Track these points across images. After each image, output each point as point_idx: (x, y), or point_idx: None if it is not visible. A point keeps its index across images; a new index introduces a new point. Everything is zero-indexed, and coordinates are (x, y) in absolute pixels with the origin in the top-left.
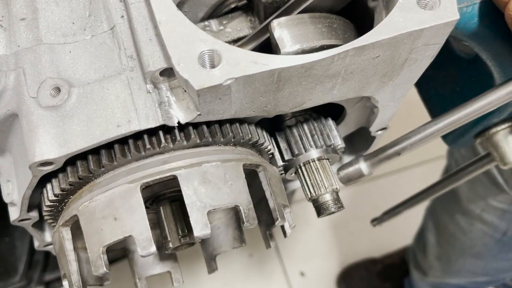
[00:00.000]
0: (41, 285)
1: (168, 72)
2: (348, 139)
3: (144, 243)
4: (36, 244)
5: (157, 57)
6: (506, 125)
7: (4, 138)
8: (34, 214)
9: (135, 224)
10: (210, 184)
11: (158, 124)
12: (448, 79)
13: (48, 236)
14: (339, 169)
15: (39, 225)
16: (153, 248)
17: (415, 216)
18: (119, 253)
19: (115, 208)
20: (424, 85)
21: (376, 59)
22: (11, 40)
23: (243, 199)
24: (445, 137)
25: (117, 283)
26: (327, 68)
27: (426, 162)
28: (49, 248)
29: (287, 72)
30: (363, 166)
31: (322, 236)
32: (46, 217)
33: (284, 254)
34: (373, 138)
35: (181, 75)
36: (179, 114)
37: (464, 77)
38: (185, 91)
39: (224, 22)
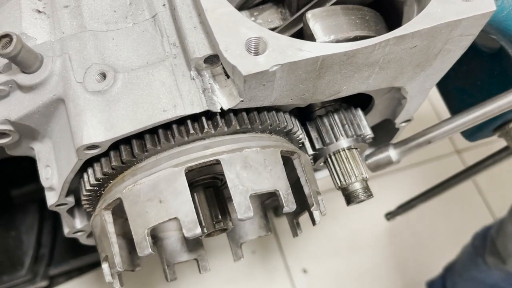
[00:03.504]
0: (46, 279)
1: (211, 60)
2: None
3: (190, 225)
4: (66, 230)
5: (202, 44)
6: None
7: (45, 123)
8: (71, 199)
9: (181, 206)
10: (251, 169)
11: (202, 110)
12: (469, 73)
13: (78, 223)
14: (368, 156)
15: (71, 211)
16: (199, 230)
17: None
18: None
19: (160, 191)
20: (444, 79)
21: (414, 49)
22: (55, 27)
23: (282, 184)
24: (463, 132)
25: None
26: (367, 56)
27: (430, 161)
28: (78, 235)
29: (330, 59)
30: (392, 153)
31: (325, 233)
32: (84, 202)
33: (287, 251)
34: (395, 130)
35: (228, 61)
36: (222, 100)
37: (486, 71)
38: (228, 77)
39: (255, 14)
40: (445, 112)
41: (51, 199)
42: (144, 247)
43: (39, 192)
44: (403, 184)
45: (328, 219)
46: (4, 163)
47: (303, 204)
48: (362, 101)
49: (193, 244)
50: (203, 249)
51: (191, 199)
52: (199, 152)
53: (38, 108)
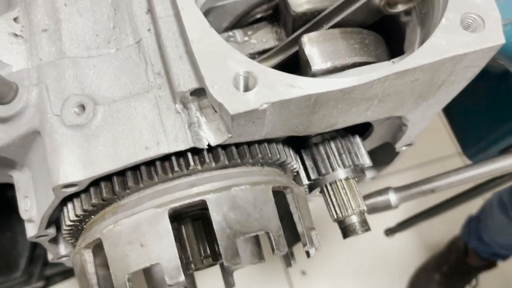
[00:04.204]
0: (41, 279)
1: (198, 92)
2: (369, 152)
3: (173, 272)
4: (50, 257)
5: (188, 77)
6: None
7: (24, 154)
8: (52, 231)
9: (163, 252)
10: (239, 209)
11: (188, 147)
12: (473, 93)
13: (62, 249)
14: (366, 197)
15: (54, 239)
16: (182, 278)
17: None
18: None
19: (141, 234)
20: None
21: (415, 82)
22: (33, 53)
23: (273, 225)
24: (466, 151)
25: None
26: (365, 91)
27: (430, 163)
28: (63, 260)
29: (324, 96)
30: (392, 198)
31: (325, 235)
32: (65, 235)
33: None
34: (396, 153)
35: (215, 98)
36: (209, 136)
37: (491, 91)
38: (215, 111)
39: (249, 33)
40: None
41: (30, 231)
42: None
43: None
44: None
45: (328, 223)
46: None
47: (297, 234)
48: (361, 126)
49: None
50: (192, 278)
51: (174, 243)
52: (183, 190)
53: (14, 140)
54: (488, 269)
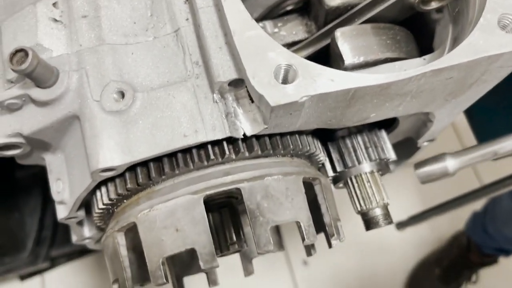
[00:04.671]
0: (47, 260)
1: (236, 83)
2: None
3: (207, 257)
4: (74, 238)
5: (227, 67)
6: None
7: (59, 137)
8: (81, 213)
9: (198, 237)
10: (272, 198)
11: (225, 136)
12: (495, 91)
13: (87, 231)
14: (418, 165)
15: (80, 221)
16: (216, 263)
17: None
18: None
19: (177, 219)
20: None
21: (449, 80)
22: (72, 38)
23: (304, 215)
24: None
25: None
26: (402, 87)
27: None
28: (86, 242)
29: (363, 91)
30: (450, 163)
31: None
32: (95, 219)
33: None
34: (416, 148)
35: (256, 90)
36: (245, 126)
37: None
38: (252, 101)
39: (279, 25)
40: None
41: (61, 213)
42: (159, 277)
43: (43, 174)
44: (409, 184)
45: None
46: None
47: (320, 224)
48: (386, 120)
49: None
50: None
51: (209, 230)
52: (218, 178)
53: (52, 124)
54: (489, 265)
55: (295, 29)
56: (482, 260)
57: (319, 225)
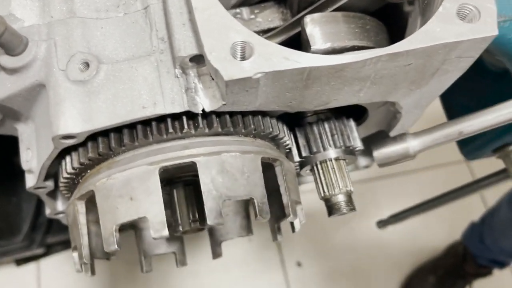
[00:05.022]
0: (42, 247)
1: (198, 59)
2: (363, 140)
3: (158, 226)
4: (48, 211)
5: (189, 43)
6: None
7: (29, 106)
8: (50, 184)
9: (151, 207)
10: (227, 174)
11: (183, 110)
12: (474, 90)
13: (60, 205)
14: (376, 147)
15: (52, 193)
16: (166, 232)
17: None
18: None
19: (132, 188)
20: (448, 94)
21: (408, 67)
22: (45, 10)
23: (258, 192)
24: (462, 149)
25: (119, 252)
26: (358, 71)
27: (436, 167)
28: (60, 216)
29: (317, 71)
30: (412, 144)
31: (323, 229)
32: (61, 188)
33: (283, 243)
34: None
35: (212, 64)
36: (204, 102)
37: (492, 90)
38: (213, 79)
39: (256, 11)
40: None
41: (29, 181)
42: (111, 243)
43: None
44: (406, 189)
45: (326, 218)
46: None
47: (285, 210)
48: (356, 112)
49: (173, 237)
50: (182, 242)
51: (162, 200)
52: (176, 152)
53: (20, 91)
54: (484, 276)
55: (271, 16)
56: (477, 271)
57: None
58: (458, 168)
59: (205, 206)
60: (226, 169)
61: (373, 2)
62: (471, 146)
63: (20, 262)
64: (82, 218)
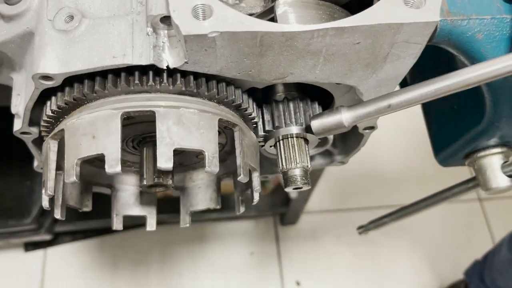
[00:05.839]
0: (50, 233)
1: (169, 21)
2: (341, 136)
3: (112, 162)
4: (35, 164)
5: (160, 5)
6: (495, 150)
7: (21, 55)
8: (35, 130)
9: (109, 145)
10: (183, 126)
11: (148, 63)
12: (449, 95)
13: None
14: (313, 117)
15: (39, 144)
16: (119, 168)
17: None
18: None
19: (95, 128)
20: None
21: (357, 46)
22: None
23: (210, 147)
24: (436, 155)
25: (121, 250)
26: (307, 42)
27: (453, 202)
28: None
29: (268, 37)
30: (345, 116)
31: (326, 250)
32: (42, 133)
33: (284, 260)
34: (360, 135)
35: (174, 21)
36: (169, 59)
37: (461, 95)
38: (179, 40)
39: None
40: None
41: (16, 125)
42: (71, 175)
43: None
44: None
45: (331, 237)
46: None
47: (249, 183)
48: (325, 101)
49: (146, 202)
50: (154, 207)
51: (119, 140)
52: (140, 101)
53: (13, 38)
54: None
55: (254, 3)
56: None
57: (248, 184)
58: (471, 206)
59: (157, 151)
60: (182, 121)
61: None
62: (444, 152)
63: (28, 247)
64: (52, 155)
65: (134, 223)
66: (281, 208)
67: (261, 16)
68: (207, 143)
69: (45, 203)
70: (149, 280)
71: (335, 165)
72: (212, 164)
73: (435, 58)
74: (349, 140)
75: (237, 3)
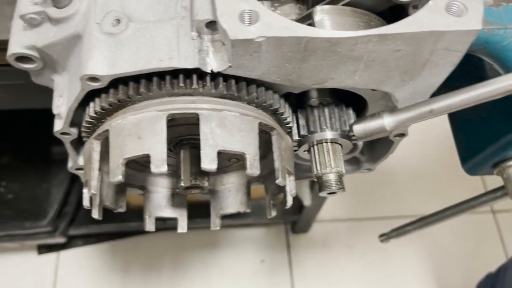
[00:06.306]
0: (64, 236)
1: (213, 26)
2: (369, 143)
3: (158, 162)
4: (70, 164)
5: (206, 10)
6: None
7: (65, 57)
8: (74, 131)
9: (154, 145)
10: (226, 128)
11: (193, 66)
12: (477, 104)
13: (81, 160)
14: (355, 122)
15: (77, 147)
16: (165, 168)
17: None
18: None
19: (141, 129)
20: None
21: (398, 53)
22: None
23: (251, 150)
24: (463, 164)
25: (133, 255)
26: (350, 48)
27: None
28: (79, 172)
29: (313, 42)
30: (387, 121)
31: (338, 261)
32: (83, 134)
33: (296, 269)
34: (391, 142)
35: (221, 25)
36: (213, 63)
37: (491, 104)
38: (223, 44)
39: (276, 5)
40: None
41: (57, 126)
42: (116, 174)
43: None
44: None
45: (343, 246)
46: (52, 120)
47: (281, 187)
48: (359, 106)
49: (177, 204)
50: (185, 210)
51: (165, 141)
52: (184, 104)
53: (61, 40)
54: None
55: (289, 10)
56: None
57: (280, 188)
58: (484, 218)
59: (201, 152)
60: (225, 124)
61: (380, 2)
62: (472, 161)
63: (41, 250)
64: (95, 155)
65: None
66: (293, 216)
67: (298, 22)
68: (248, 145)
69: (86, 202)
70: (160, 285)
71: (361, 172)
72: (254, 166)
73: (462, 66)
74: (377, 147)
75: (272, 10)
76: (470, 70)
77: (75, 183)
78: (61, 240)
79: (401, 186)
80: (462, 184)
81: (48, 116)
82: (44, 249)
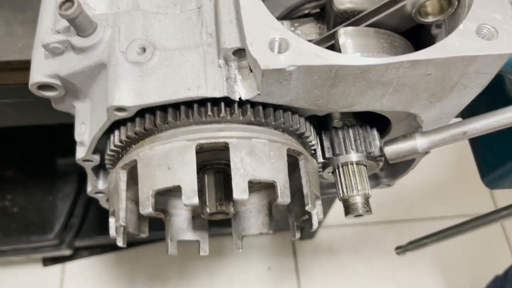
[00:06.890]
0: (70, 248)
1: (240, 53)
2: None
3: (189, 193)
4: (89, 189)
5: (233, 38)
6: None
7: (88, 84)
8: (97, 157)
9: (185, 176)
10: (255, 157)
11: (222, 95)
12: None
13: (101, 184)
14: (387, 143)
15: (96, 172)
16: (196, 200)
17: None
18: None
19: (170, 159)
20: None
21: (428, 77)
22: (113, 2)
23: (281, 177)
24: (483, 178)
25: (138, 265)
26: (381, 74)
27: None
28: (99, 196)
29: (344, 70)
30: (420, 142)
31: (345, 267)
32: (106, 162)
33: (302, 275)
34: (412, 159)
35: (251, 54)
36: (241, 91)
37: None
38: (251, 71)
39: (296, 25)
40: None
41: (80, 153)
42: (146, 206)
43: (82, 166)
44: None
45: (349, 252)
46: (57, 133)
47: (305, 210)
48: (381, 126)
49: (199, 226)
50: (207, 233)
51: (195, 171)
52: (212, 132)
53: (84, 69)
54: None
55: (309, 30)
56: None
57: (304, 210)
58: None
59: (232, 181)
60: (254, 152)
61: (403, 22)
62: (492, 175)
63: (47, 262)
64: (122, 185)
65: (150, 238)
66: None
67: (319, 43)
68: (278, 173)
69: (112, 232)
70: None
71: (380, 188)
72: (284, 194)
73: None
74: (398, 163)
75: (292, 30)
76: (489, 85)
77: (80, 195)
78: (67, 252)
79: (407, 190)
80: (468, 189)
81: (53, 130)
82: (49, 261)
